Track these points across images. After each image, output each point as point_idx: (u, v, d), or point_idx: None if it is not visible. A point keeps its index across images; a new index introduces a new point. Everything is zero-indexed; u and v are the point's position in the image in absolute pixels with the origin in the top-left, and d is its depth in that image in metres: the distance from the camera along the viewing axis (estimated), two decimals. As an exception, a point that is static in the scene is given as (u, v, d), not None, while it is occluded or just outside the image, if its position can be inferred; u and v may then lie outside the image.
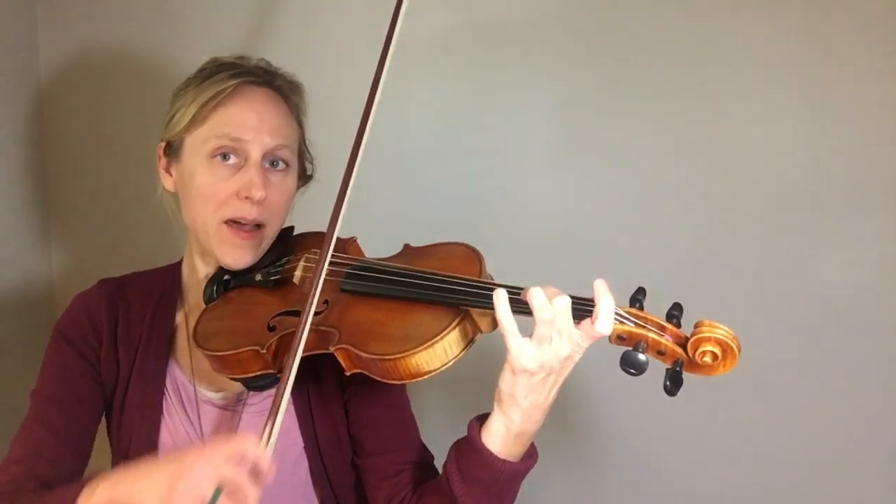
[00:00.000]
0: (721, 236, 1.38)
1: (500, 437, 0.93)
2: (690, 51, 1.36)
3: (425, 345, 0.90)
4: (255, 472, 0.86)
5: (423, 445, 1.15)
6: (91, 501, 0.90)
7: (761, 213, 1.35)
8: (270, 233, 1.11)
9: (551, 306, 0.84)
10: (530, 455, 0.97)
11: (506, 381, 0.89)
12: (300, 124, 1.17)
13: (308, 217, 1.19)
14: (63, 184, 1.72)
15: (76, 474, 1.07)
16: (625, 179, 1.43)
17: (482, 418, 0.96)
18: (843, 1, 1.27)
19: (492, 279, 1.00)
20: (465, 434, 0.97)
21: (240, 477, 0.84)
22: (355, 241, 1.13)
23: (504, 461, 0.93)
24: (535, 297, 0.85)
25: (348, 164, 1.02)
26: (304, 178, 1.21)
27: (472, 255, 1.01)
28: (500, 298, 0.86)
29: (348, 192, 1.01)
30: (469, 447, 0.95)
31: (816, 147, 1.31)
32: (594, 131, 1.44)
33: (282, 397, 0.93)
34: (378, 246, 1.11)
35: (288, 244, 1.17)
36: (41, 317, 1.68)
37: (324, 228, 1.15)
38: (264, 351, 1.01)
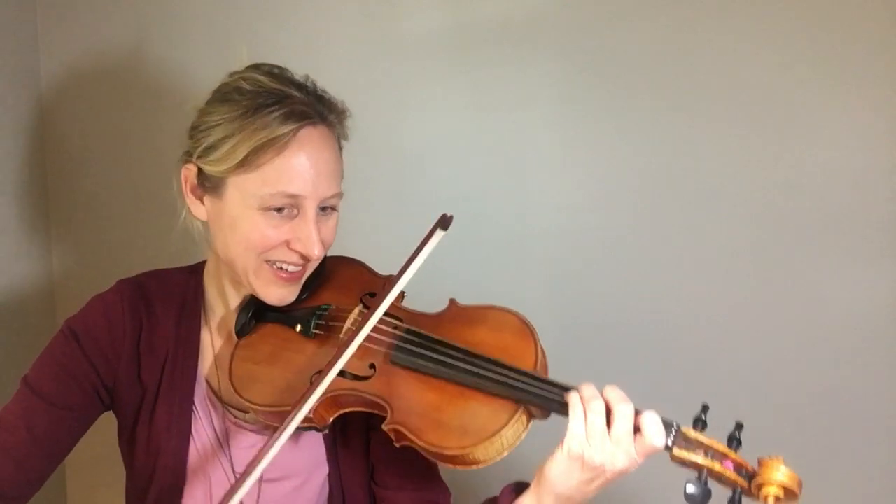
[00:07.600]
0: (718, 233, 1.38)
1: None
2: (688, 51, 1.37)
3: (483, 441, 0.89)
4: None
5: (442, 482, 1.12)
6: None
7: (758, 211, 1.36)
8: (315, 265, 1.06)
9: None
10: None
11: (554, 463, 0.89)
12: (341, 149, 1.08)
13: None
14: (63, 184, 1.72)
15: (42, 476, 1.04)
16: (624, 178, 1.43)
17: (519, 488, 0.95)
18: (842, 7, 1.27)
19: (542, 352, 0.97)
20: (497, 494, 0.98)
21: None
22: (402, 294, 1.06)
23: None
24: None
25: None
26: None
27: (525, 331, 0.98)
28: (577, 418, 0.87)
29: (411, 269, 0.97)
30: None
31: (824, 154, 1.31)
32: (593, 131, 1.44)
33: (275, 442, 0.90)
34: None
35: (318, 272, 1.10)
36: (41, 317, 1.67)
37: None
38: (310, 415, 0.96)
